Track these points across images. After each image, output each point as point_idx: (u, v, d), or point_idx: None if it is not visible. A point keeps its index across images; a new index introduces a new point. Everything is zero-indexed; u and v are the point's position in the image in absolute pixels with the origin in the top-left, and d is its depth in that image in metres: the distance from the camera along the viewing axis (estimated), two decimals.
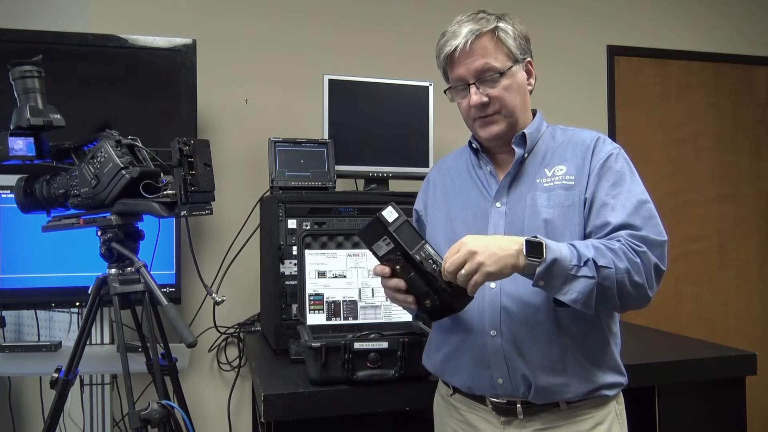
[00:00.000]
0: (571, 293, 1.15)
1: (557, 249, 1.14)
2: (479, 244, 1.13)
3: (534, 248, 1.13)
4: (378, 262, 1.25)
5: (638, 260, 1.17)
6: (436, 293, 1.21)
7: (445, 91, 1.39)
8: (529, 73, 1.38)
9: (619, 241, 1.19)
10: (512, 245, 1.14)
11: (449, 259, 1.15)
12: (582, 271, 1.14)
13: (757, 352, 1.87)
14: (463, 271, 1.13)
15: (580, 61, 3.05)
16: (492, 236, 1.24)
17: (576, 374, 1.25)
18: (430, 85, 2.40)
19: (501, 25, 1.32)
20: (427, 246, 1.22)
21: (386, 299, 1.43)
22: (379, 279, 1.28)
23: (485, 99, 1.30)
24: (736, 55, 3.29)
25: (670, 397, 1.83)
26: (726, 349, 1.96)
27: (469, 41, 1.29)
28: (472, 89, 1.31)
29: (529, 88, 1.38)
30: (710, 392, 1.86)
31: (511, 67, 1.32)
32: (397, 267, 1.22)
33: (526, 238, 1.15)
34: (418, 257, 1.20)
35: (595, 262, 1.14)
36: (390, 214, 1.21)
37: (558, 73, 2.93)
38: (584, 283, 1.14)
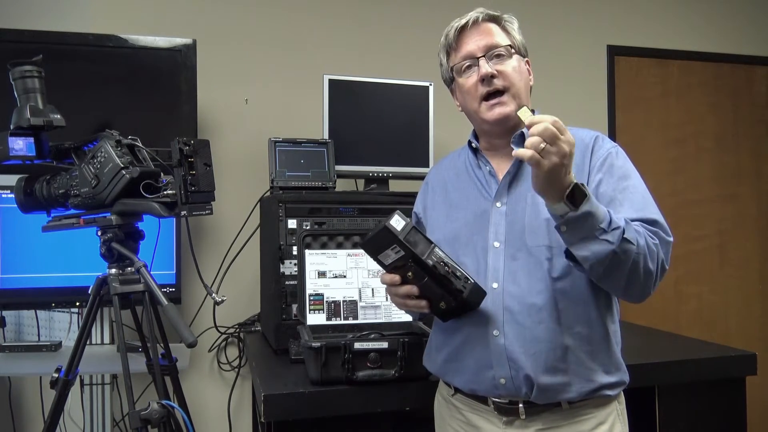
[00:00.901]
0: (584, 250, 1.13)
1: (596, 207, 1.11)
2: (567, 150, 1.06)
3: (577, 194, 1.09)
4: (383, 272, 1.26)
5: (654, 248, 1.18)
6: (451, 294, 1.22)
7: (451, 69, 1.39)
8: (528, 72, 1.39)
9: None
10: (571, 179, 1.09)
11: (540, 124, 1.05)
12: (606, 235, 1.12)
13: (757, 352, 1.88)
14: (543, 146, 1.04)
15: (580, 61, 3.05)
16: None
17: (578, 374, 1.25)
18: (430, 85, 2.40)
19: (506, 17, 1.37)
20: (437, 249, 1.23)
21: (386, 298, 1.42)
22: (379, 279, 1.28)
23: (494, 71, 1.31)
24: (736, 55, 3.29)
25: (670, 397, 1.83)
26: (726, 349, 1.96)
27: (481, 18, 1.34)
28: (482, 62, 1.32)
29: (530, 83, 1.40)
30: (710, 392, 1.86)
31: (516, 53, 1.35)
32: (409, 274, 1.23)
33: (576, 181, 1.10)
34: (430, 262, 1.21)
35: (624, 232, 1.13)
36: (398, 222, 1.21)
37: (558, 73, 2.93)
38: (602, 246, 1.12)
